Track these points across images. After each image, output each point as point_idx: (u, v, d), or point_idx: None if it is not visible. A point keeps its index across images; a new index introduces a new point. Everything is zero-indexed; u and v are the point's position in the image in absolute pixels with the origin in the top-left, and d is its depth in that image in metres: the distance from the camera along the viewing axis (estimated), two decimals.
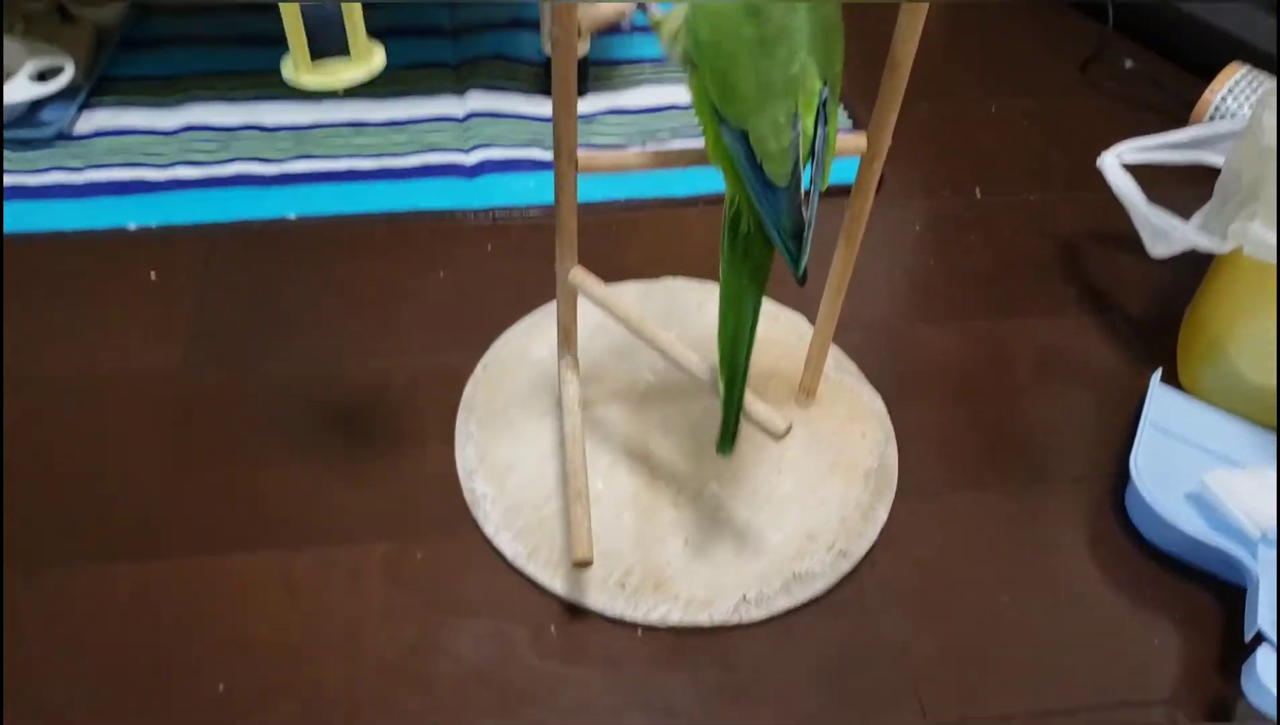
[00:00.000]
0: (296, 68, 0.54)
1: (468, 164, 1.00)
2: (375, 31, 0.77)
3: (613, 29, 0.62)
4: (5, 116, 0.97)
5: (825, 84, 0.51)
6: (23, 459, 0.72)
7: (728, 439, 0.61)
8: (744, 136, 0.51)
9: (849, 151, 0.60)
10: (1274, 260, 0.67)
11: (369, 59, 0.55)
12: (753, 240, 0.57)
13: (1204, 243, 0.74)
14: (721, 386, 0.60)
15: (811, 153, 0.52)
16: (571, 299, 0.70)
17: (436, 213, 0.95)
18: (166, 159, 0.98)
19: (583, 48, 0.57)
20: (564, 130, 0.59)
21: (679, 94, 1.10)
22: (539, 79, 1.10)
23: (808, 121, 0.51)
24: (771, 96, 0.50)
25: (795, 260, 0.53)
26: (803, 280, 0.53)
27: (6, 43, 1.01)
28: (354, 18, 0.53)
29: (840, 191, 0.66)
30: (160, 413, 0.76)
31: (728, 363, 0.60)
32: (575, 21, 0.55)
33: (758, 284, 0.58)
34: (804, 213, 0.52)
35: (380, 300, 0.86)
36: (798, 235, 0.52)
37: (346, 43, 0.54)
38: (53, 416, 0.75)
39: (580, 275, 0.67)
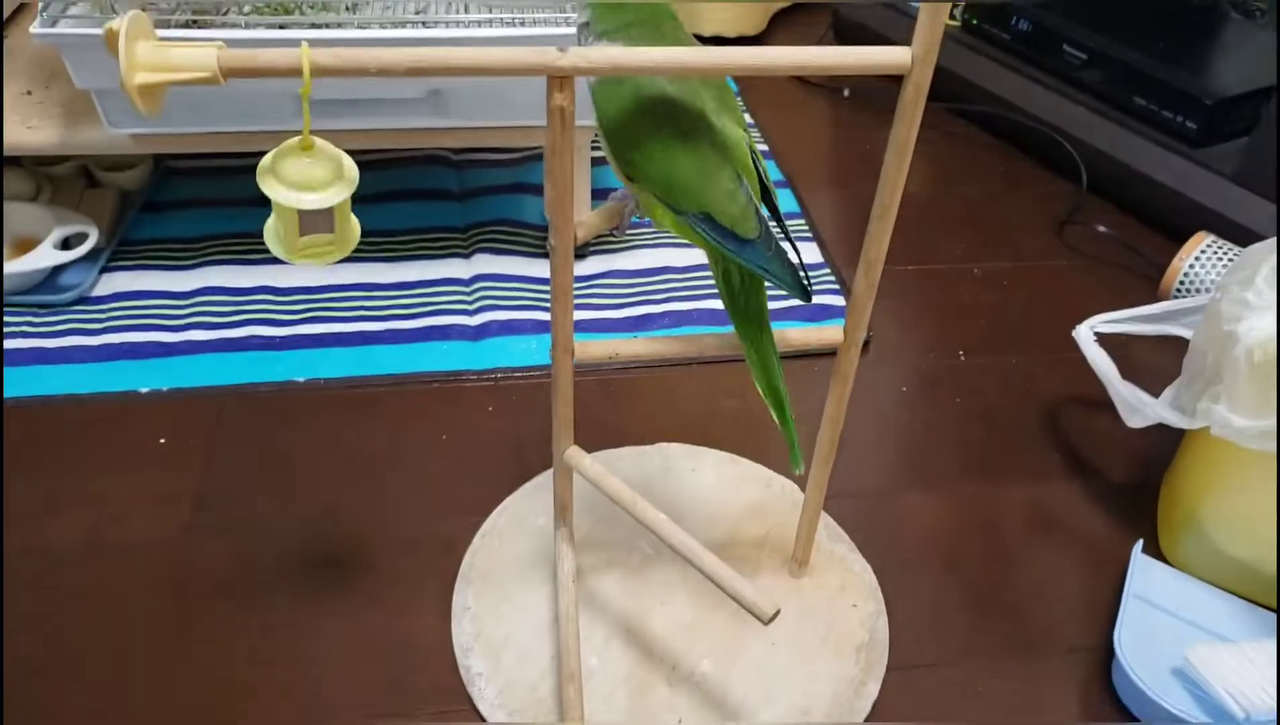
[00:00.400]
0: (284, 247, 0.56)
1: (472, 325, 1.04)
2: (390, 194, 0.81)
3: (610, 232, 0.66)
4: (30, 282, 1.01)
5: (743, 129, 0.58)
6: (20, 633, 0.74)
7: (797, 456, 0.65)
8: (705, 216, 0.57)
9: (830, 343, 0.64)
10: (1240, 442, 0.70)
11: (350, 239, 0.58)
12: (748, 287, 0.62)
13: (1174, 420, 0.77)
14: (775, 415, 0.64)
15: (764, 188, 0.59)
16: (568, 475, 0.73)
17: (441, 374, 0.98)
18: (181, 322, 1.02)
19: (582, 233, 0.61)
20: (560, 324, 0.63)
21: (675, 257, 1.15)
22: (541, 242, 1.15)
23: (750, 174, 0.57)
24: (713, 173, 0.56)
25: (802, 291, 0.58)
26: (809, 298, 0.59)
27: (34, 209, 1.06)
28: (343, 204, 0.56)
29: (826, 355, 0.69)
30: (158, 584, 0.78)
31: (771, 394, 0.64)
32: (572, 234, 0.59)
33: (764, 320, 0.63)
34: (781, 246, 0.58)
35: (384, 464, 0.89)
36: (792, 269, 0.58)
37: (332, 221, 0.57)
38: (52, 586, 0.77)
39: (576, 456, 0.70)
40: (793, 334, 0.66)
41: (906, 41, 0.53)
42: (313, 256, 0.55)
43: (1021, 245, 1.22)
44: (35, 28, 0.85)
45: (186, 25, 0.88)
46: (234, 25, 0.88)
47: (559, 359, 0.65)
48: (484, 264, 1.12)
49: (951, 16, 1.53)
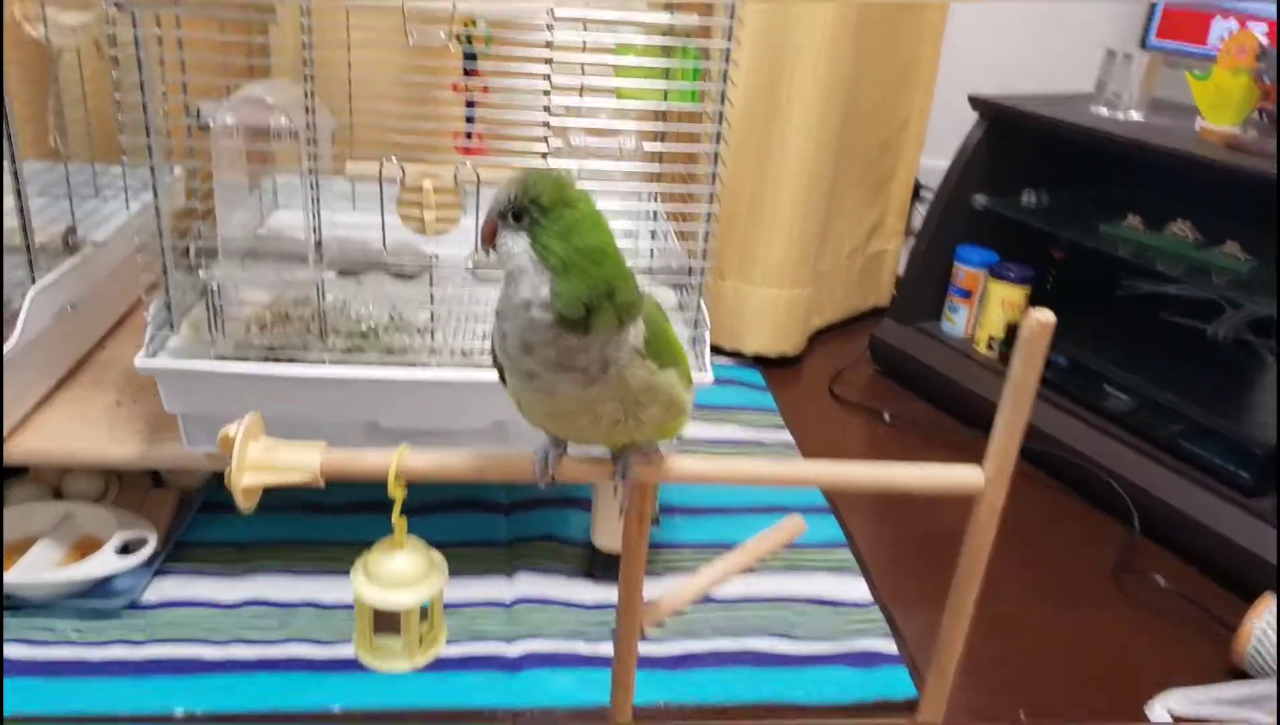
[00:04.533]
0: (361, 646, 0.57)
1: (511, 655, 1.02)
2: (434, 505, 0.80)
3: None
4: (84, 587, 1.02)
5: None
6: None
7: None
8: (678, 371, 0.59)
9: None
10: None
11: (429, 650, 0.58)
12: None
13: None
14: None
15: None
16: None
17: (474, 710, 0.96)
18: (224, 635, 1.01)
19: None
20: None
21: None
22: (585, 562, 1.15)
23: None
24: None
25: None
26: None
27: (98, 511, 1.09)
28: (410, 619, 0.56)
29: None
30: None
31: None
32: (636, 640, 0.59)
33: None
34: None
35: None
36: None
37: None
38: None
39: None
40: None
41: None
42: (383, 658, 0.56)
43: (1076, 592, 1.20)
44: (139, 359, 0.90)
45: (264, 359, 0.93)
46: (315, 361, 0.94)
47: None
48: (527, 584, 1.12)
49: (989, 347, 1.60)
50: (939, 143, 1.80)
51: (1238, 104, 1.38)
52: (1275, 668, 0.96)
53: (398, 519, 0.54)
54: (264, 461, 0.50)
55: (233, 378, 0.90)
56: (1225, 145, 1.34)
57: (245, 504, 0.51)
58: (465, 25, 1.10)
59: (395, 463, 0.50)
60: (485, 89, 1.07)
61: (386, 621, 0.60)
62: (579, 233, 0.50)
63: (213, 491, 1.23)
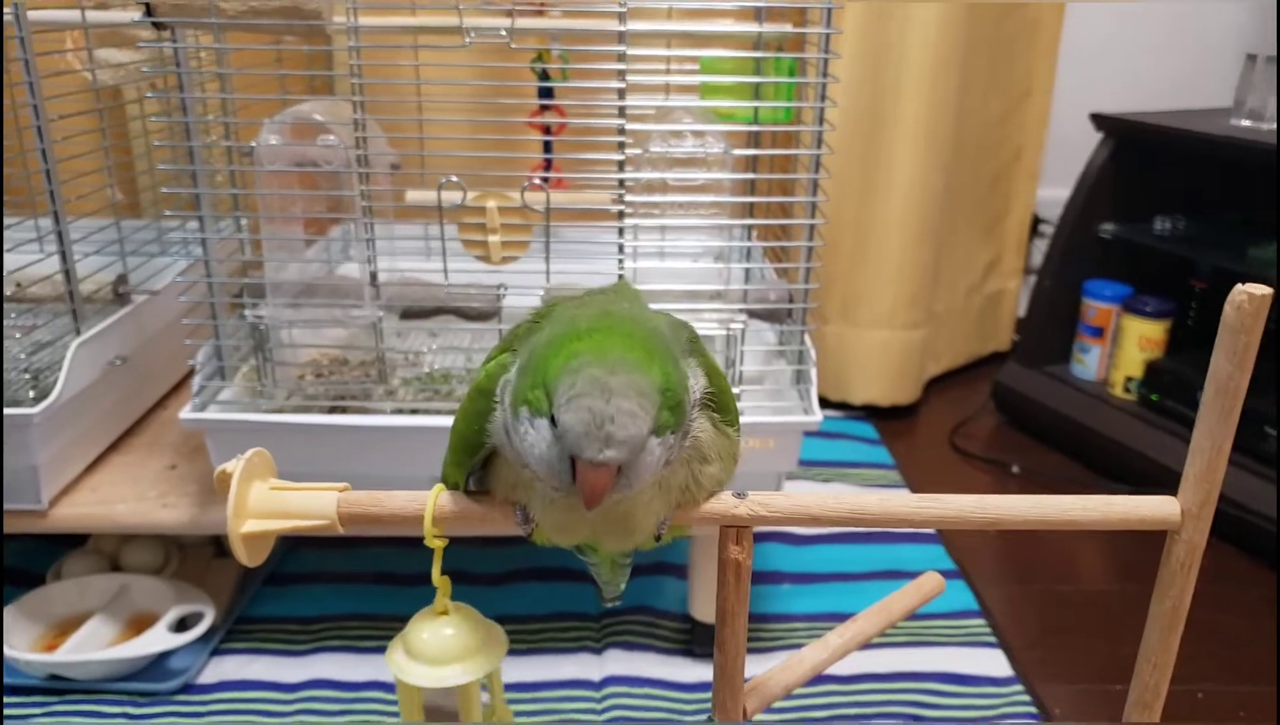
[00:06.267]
0: None
1: None
2: (518, 573, 0.71)
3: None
4: (137, 666, 0.94)
5: None
6: None
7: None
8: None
9: None
10: None
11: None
12: None
13: None
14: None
15: None
16: None
17: None
18: (284, 719, 0.91)
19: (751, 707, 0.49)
20: None
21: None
22: (681, 635, 1.03)
23: None
24: None
25: None
26: None
27: (154, 584, 1.01)
28: (467, 700, 0.45)
29: None
30: None
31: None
32: (740, 709, 0.46)
33: None
34: None
35: None
36: None
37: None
38: None
39: None
40: None
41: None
42: None
43: (1265, 674, 1.01)
44: (184, 412, 0.83)
45: (330, 411, 0.85)
46: (378, 411, 0.85)
47: None
48: (617, 662, 0.99)
49: (1126, 389, 1.43)
50: (1057, 174, 1.66)
51: None
52: None
53: (438, 578, 0.43)
54: (269, 505, 0.41)
55: (284, 429, 0.81)
56: None
57: (248, 557, 0.41)
58: (541, 58, 1.02)
59: (431, 505, 0.40)
60: (562, 127, 0.99)
61: (439, 710, 0.49)
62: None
63: (281, 562, 1.15)
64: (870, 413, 1.58)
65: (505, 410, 0.40)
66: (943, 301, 1.63)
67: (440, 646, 0.43)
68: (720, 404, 0.43)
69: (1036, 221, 1.76)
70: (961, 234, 1.63)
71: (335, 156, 0.72)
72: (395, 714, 0.93)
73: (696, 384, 0.42)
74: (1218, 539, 1.22)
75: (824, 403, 1.59)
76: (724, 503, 0.42)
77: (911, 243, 1.49)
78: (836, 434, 1.51)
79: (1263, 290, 0.41)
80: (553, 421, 0.37)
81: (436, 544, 0.41)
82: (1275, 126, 1.34)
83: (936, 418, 1.59)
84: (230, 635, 1.02)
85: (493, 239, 0.75)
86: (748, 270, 0.98)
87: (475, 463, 0.43)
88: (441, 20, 0.75)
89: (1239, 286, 0.42)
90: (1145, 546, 1.20)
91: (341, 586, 1.11)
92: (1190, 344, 1.43)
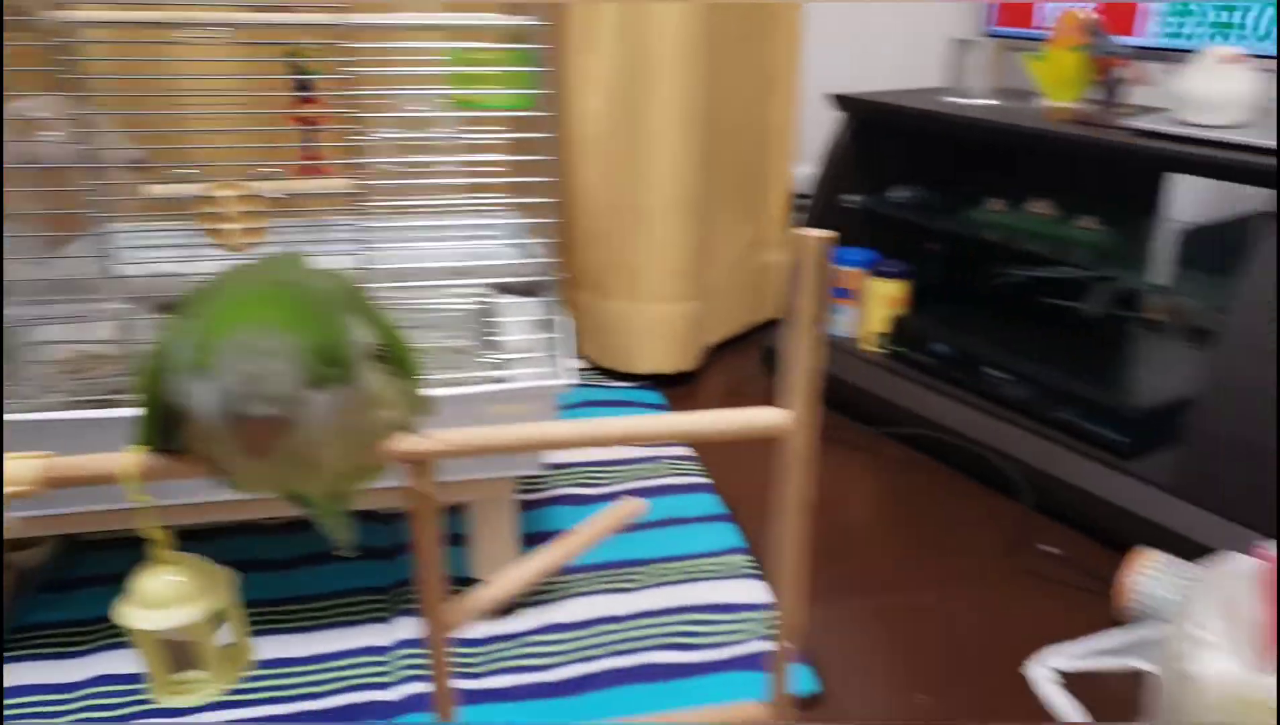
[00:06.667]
0: (159, 688, 0.51)
1: (393, 700, 0.95)
2: (310, 557, 0.74)
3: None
4: None
5: None
6: None
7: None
8: None
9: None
10: None
11: (233, 669, 0.53)
12: None
13: None
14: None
15: None
16: None
17: None
18: (65, 719, 0.92)
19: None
20: None
21: (615, 604, 1.09)
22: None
23: None
24: None
25: None
26: None
27: None
28: (203, 635, 0.51)
29: None
30: None
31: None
32: (442, 631, 0.53)
33: None
34: None
35: None
36: None
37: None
38: None
39: None
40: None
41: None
42: (185, 692, 0.49)
43: (975, 570, 1.18)
44: None
45: (101, 406, 0.87)
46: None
47: None
48: (407, 628, 1.05)
49: (877, 345, 1.59)
50: (813, 153, 1.81)
51: (1076, 80, 1.41)
52: (1154, 614, 0.94)
53: (155, 533, 0.48)
54: None
55: (33, 428, 0.82)
56: (1070, 120, 1.37)
57: None
58: (293, 54, 1.06)
59: (128, 464, 0.45)
60: (321, 118, 1.04)
61: (181, 655, 0.54)
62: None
63: (56, 569, 1.14)
64: (657, 381, 1.69)
65: (180, 375, 0.46)
66: (713, 275, 1.75)
67: (162, 592, 0.48)
68: (394, 356, 0.50)
69: (796, 197, 1.91)
70: (726, 211, 1.76)
71: (59, 153, 0.74)
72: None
73: (364, 341, 0.49)
74: (956, 470, 1.39)
75: (614, 374, 1.70)
76: (406, 441, 0.49)
77: (678, 221, 1.60)
78: (626, 402, 1.61)
79: (819, 233, 0.51)
80: (217, 383, 0.44)
81: (141, 499, 0.46)
82: (981, 102, 1.52)
83: (716, 381, 1.72)
84: (6, 646, 1.02)
85: (229, 226, 0.79)
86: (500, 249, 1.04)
87: (168, 425, 0.49)
88: (163, 15, 0.77)
89: (805, 231, 0.52)
90: (894, 484, 1.35)
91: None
92: (929, 299, 1.60)
